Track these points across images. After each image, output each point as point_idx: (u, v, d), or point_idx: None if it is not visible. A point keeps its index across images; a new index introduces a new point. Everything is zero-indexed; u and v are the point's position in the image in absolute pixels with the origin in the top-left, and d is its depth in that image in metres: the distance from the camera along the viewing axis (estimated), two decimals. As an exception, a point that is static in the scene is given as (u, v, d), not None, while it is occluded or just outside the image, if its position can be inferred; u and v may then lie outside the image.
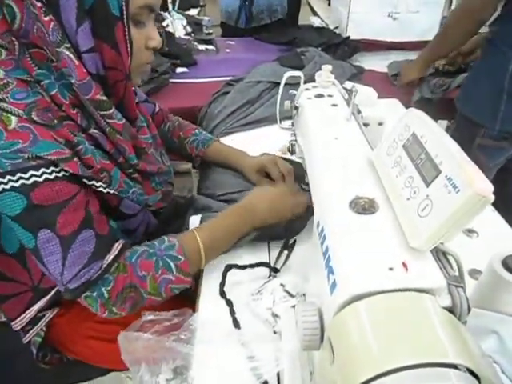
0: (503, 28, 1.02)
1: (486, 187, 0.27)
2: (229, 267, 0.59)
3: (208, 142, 0.89)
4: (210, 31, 1.82)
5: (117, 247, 0.56)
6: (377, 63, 1.61)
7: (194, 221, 0.72)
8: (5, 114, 0.48)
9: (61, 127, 0.51)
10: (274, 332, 0.51)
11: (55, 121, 0.51)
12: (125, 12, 0.51)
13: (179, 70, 1.50)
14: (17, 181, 0.47)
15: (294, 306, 0.50)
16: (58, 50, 0.49)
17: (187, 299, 0.73)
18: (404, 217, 0.34)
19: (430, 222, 0.31)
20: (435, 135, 0.34)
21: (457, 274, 0.33)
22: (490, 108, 1.06)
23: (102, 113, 0.55)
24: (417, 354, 0.26)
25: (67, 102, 0.52)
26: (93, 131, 0.55)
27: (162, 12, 1.86)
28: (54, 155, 0.49)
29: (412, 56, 1.71)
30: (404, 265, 0.31)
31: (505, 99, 1.02)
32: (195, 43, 1.75)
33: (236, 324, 0.54)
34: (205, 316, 0.55)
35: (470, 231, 0.65)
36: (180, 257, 0.58)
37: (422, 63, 1.26)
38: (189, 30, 1.81)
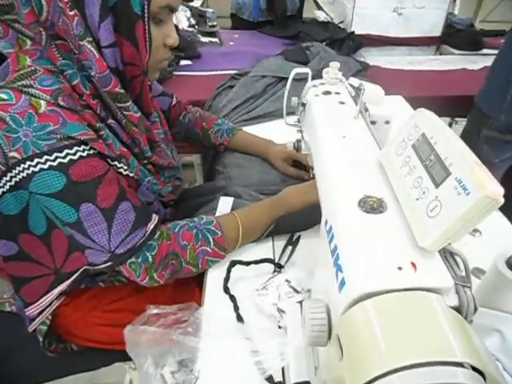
0: None
1: (497, 190, 0.28)
2: (233, 263, 0.60)
3: (232, 131, 0.93)
4: (214, 23, 1.81)
5: (155, 217, 0.61)
6: (381, 59, 1.61)
7: (225, 202, 0.74)
8: (34, 98, 0.50)
9: (84, 113, 0.54)
10: (279, 327, 0.52)
11: (78, 107, 0.53)
12: (146, 11, 0.52)
13: (183, 62, 1.50)
14: (54, 160, 0.50)
15: (299, 302, 0.50)
16: (80, 43, 0.50)
17: (192, 294, 0.74)
18: (413, 217, 0.34)
19: (440, 223, 0.31)
20: (445, 137, 0.35)
21: (463, 274, 0.33)
22: (498, 99, 1.08)
23: (119, 105, 0.57)
24: (424, 352, 0.27)
25: (88, 92, 0.54)
26: (110, 121, 0.57)
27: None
28: (83, 135, 0.52)
29: (417, 52, 1.71)
30: (413, 264, 0.31)
31: (511, 92, 1.03)
32: (199, 35, 1.74)
33: (240, 319, 0.54)
34: (210, 310, 0.55)
35: (473, 230, 0.66)
36: (218, 232, 0.63)
37: None
38: (193, 21, 1.80)
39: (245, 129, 1.04)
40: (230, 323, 0.53)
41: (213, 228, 0.63)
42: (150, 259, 0.59)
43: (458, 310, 0.31)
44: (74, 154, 0.51)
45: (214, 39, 1.74)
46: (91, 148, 0.53)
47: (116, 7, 0.50)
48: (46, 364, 0.77)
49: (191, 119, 0.93)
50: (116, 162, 0.58)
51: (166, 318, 0.55)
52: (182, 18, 1.78)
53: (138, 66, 0.56)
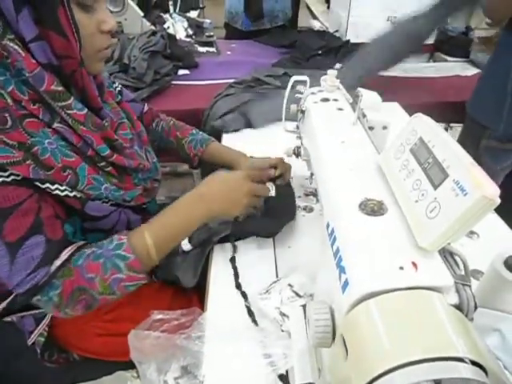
0: (509, 31, 1.04)
1: (494, 191, 0.29)
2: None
3: (206, 142, 0.87)
4: (211, 33, 1.84)
5: (67, 252, 0.55)
6: (376, 66, 1.63)
7: None
8: None
9: (13, 130, 0.50)
10: (282, 331, 0.52)
11: (9, 122, 0.50)
12: None
13: (181, 72, 1.51)
14: None
15: (302, 306, 0.51)
16: (2, 42, 0.48)
17: (190, 301, 0.74)
18: (412, 218, 0.35)
19: (439, 224, 0.32)
20: (442, 140, 0.36)
21: (463, 273, 0.34)
22: (495, 110, 1.07)
23: (60, 104, 0.53)
24: (427, 349, 0.27)
25: (26, 98, 0.51)
26: (57, 125, 0.54)
27: (162, 14, 1.88)
28: (0, 159, 0.48)
29: (411, 59, 1.73)
30: (414, 264, 0.32)
31: (509, 101, 1.03)
32: (196, 45, 1.76)
33: (250, 313, 0.55)
34: (213, 315, 0.56)
35: (471, 232, 0.67)
36: (129, 255, 0.56)
37: None
38: (190, 32, 1.83)
39: (247, 132, 1.05)
40: (233, 328, 0.54)
41: (123, 253, 0.56)
42: (56, 298, 0.54)
43: (458, 307, 0.32)
44: None
45: (211, 49, 1.76)
46: (10, 174, 0.49)
47: None
48: (47, 374, 0.77)
49: (164, 127, 0.88)
50: (48, 184, 0.53)
51: (169, 324, 0.55)
52: (180, 29, 1.81)
53: (74, 59, 0.53)
